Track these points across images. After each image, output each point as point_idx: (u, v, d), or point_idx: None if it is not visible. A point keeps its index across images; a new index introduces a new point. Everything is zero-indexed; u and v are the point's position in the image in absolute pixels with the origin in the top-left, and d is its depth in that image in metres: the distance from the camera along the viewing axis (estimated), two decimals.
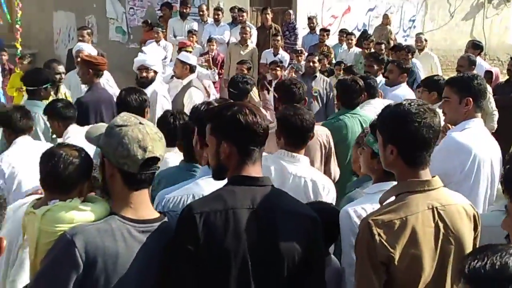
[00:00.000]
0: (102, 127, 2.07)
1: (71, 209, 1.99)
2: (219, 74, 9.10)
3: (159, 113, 5.35)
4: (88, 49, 6.71)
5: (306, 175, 3.13)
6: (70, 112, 4.43)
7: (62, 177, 2.18)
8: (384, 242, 2.02)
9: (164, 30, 9.89)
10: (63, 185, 2.18)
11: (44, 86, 4.98)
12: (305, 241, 2.02)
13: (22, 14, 9.77)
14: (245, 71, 7.42)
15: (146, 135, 1.94)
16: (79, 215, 1.97)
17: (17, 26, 9.66)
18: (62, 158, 2.20)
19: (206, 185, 2.38)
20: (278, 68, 7.82)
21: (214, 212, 1.95)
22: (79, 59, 5.98)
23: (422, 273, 2.06)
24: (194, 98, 5.74)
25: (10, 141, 3.88)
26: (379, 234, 2.02)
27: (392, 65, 6.29)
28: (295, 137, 3.19)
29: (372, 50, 8.89)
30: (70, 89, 6.08)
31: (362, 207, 2.42)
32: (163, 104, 5.59)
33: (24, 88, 5.32)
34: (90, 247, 1.87)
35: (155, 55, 5.91)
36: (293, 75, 7.90)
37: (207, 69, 8.54)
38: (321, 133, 4.08)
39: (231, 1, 11.29)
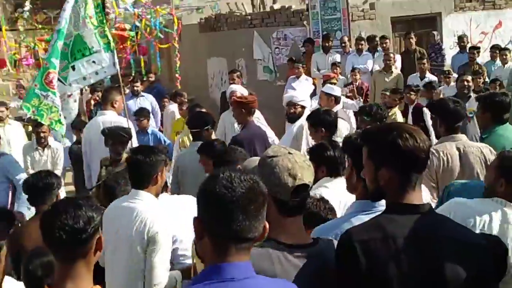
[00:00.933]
0: (255, 160, 2.25)
1: None
2: (364, 103, 9.11)
3: (304, 146, 5.56)
4: (240, 90, 7.19)
5: None
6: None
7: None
8: None
9: (305, 65, 10.19)
10: None
11: (205, 128, 5.45)
12: (473, 271, 1.92)
13: (181, 62, 10.75)
14: (386, 98, 7.52)
15: (295, 164, 2.07)
16: None
17: (177, 75, 10.63)
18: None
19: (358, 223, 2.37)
20: (412, 93, 7.84)
21: (373, 240, 1.93)
22: (232, 100, 6.44)
23: None
24: (340, 128, 5.84)
25: None
26: None
27: None
28: None
29: None
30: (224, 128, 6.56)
31: None
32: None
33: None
34: None
35: (304, 90, 6.11)
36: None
37: (352, 99, 8.60)
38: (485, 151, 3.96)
39: (373, 30, 11.30)
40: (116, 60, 5.85)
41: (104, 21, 5.73)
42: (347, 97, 8.47)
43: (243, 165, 2.30)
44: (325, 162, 3.63)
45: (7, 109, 8.56)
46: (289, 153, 2.11)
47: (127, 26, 11.45)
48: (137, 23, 11.02)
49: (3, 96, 19.35)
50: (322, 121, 4.79)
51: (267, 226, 1.75)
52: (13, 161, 5.91)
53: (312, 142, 5.81)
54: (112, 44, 5.84)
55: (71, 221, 2.01)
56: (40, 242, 2.15)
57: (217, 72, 13.11)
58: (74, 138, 7.95)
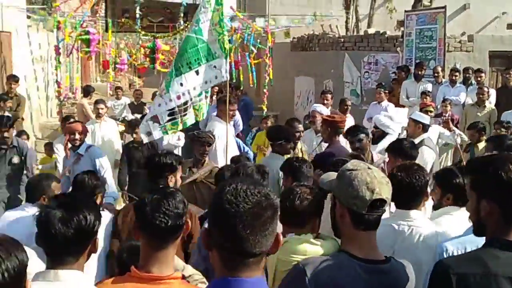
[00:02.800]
0: (333, 174, 2.30)
1: (305, 242, 2.24)
2: None
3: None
4: (322, 110, 7.24)
5: None
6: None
7: (298, 212, 2.47)
8: None
9: (386, 91, 10.05)
10: (299, 219, 2.47)
11: (282, 141, 5.54)
12: None
13: (268, 79, 10.96)
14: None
15: (374, 179, 2.10)
16: (311, 248, 2.21)
17: (264, 90, 10.82)
18: (299, 195, 2.50)
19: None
20: (503, 129, 7.57)
21: (473, 275, 1.86)
22: (312, 118, 6.52)
23: None
24: (425, 157, 5.73)
25: None
26: None
27: None
28: None
29: None
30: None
31: None
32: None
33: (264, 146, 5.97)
34: (319, 277, 2.06)
35: (397, 116, 6.06)
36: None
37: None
38: None
39: (469, 62, 10.98)
40: (228, 68, 6.12)
41: (225, 29, 5.99)
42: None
43: (321, 178, 2.35)
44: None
45: (106, 107, 9.09)
46: (369, 168, 2.15)
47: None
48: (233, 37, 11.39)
49: (100, 96, 20.57)
50: (402, 150, 4.65)
51: (280, 238, 1.68)
52: (100, 154, 6.17)
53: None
54: (228, 51, 6.10)
55: (174, 207, 2.18)
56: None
57: (304, 90, 13.23)
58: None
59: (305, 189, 2.53)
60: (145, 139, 6.00)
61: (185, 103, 5.83)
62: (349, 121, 7.62)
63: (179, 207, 2.19)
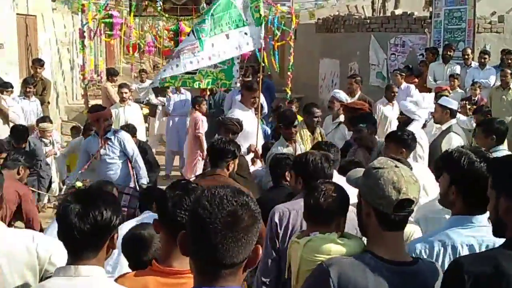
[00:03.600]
0: (360, 171, 2.23)
1: (329, 242, 2.18)
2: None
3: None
4: (341, 96, 7.10)
5: None
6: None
7: (322, 209, 2.40)
8: None
9: (403, 74, 9.83)
10: (323, 217, 2.40)
11: (281, 125, 5.53)
12: None
13: (293, 62, 10.81)
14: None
15: (401, 178, 2.02)
16: (335, 247, 2.16)
17: (289, 73, 10.70)
18: (323, 192, 2.43)
19: (457, 236, 2.32)
20: None
21: (484, 275, 1.85)
22: (330, 104, 6.43)
23: None
24: (453, 143, 5.58)
25: None
26: None
27: None
28: None
29: None
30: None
31: None
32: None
33: None
34: (343, 278, 2.01)
35: (423, 102, 5.90)
36: None
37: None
38: None
39: (499, 44, 10.66)
40: (263, 35, 6.15)
41: None
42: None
43: (348, 174, 2.27)
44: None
45: (130, 91, 9.11)
46: (396, 166, 2.06)
47: None
48: None
49: (125, 78, 20.69)
50: (495, 130, 4.81)
51: (259, 252, 1.60)
52: (127, 138, 6.24)
53: (419, 155, 5.64)
54: (263, 19, 6.14)
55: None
56: None
57: (328, 73, 13.05)
58: None
59: (330, 186, 2.47)
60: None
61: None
62: (395, 109, 7.41)
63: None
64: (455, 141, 5.70)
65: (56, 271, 2.09)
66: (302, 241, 2.25)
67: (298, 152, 5.44)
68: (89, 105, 9.43)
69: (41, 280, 2.47)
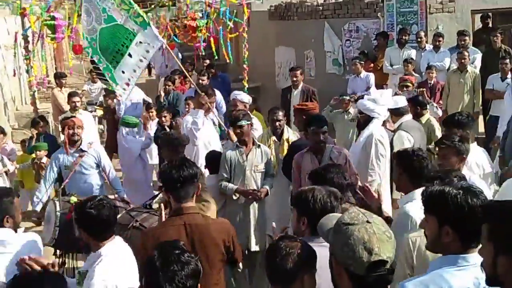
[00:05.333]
0: (334, 218, 2.08)
1: None
2: (437, 103, 8.65)
3: (373, 157, 5.39)
4: (243, 98, 7.18)
5: None
6: None
7: (281, 270, 2.23)
8: None
9: (362, 62, 9.81)
10: (284, 277, 2.24)
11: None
12: None
13: (248, 49, 10.55)
14: None
15: (372, 236, 1.88)
16: None
17: (244, 65, 10.47)
18: (283, 251, 2.25)
19: (454, 279, 2.17)
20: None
21: None
22: (233, 107, 6.71)
23: None
24: (404, 142, 5.62)
25: None
26: None
27: None
28: None
29: None
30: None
31: None
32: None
33: None
34: None
35: (381, 98, 5.83)
36: None
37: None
38: None
39: (452, 24, 10.70)
40: (157, 33, 6.31)
41: (132, 1, 6.16)
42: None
43: (320, 222, 2.12)
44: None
45: (81, 98, 8.77)
46: (368, 221, 1.92)
47: (199, 15, 11.40)
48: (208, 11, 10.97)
49: (76, 76, 20.03)
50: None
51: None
52: (103, 151, 6.30)
53: (381, 154, 5.56)
54: (147, 19, 6.25)
55: None
56: None
57: (284, 61, 12.88)
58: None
59: (289, 243, 2.28)
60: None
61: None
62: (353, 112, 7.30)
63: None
64: (404, 139, 5.66)
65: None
66: None
67: (253, 154, 5.33)
68: (38, 112, 9.04)
69: None
